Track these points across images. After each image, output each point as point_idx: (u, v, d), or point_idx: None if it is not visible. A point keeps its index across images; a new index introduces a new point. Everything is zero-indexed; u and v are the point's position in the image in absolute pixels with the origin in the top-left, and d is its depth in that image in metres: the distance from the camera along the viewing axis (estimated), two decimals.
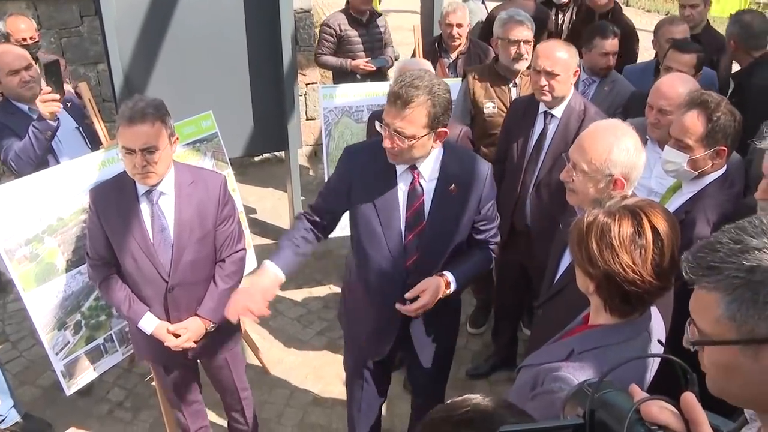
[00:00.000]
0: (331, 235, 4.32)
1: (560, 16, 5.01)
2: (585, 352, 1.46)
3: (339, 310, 2.80)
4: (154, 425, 3.43)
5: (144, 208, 2.46)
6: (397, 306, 2.28)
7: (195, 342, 2.59)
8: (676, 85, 2.60)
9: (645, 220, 1.40)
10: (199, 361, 2.86)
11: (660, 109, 2.59)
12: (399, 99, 2.05)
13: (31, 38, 4.07)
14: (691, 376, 0.94)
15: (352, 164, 2.34)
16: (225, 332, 2.74)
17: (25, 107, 3.23)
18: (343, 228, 2.59)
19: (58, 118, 3.08)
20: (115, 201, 2.46)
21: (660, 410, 0.89)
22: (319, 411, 3.55)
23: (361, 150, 2.39)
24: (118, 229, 2.46)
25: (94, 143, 3.48)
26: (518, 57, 3.49)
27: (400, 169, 2.26)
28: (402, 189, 2.28)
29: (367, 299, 2.48)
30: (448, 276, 2.33)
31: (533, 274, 3.29)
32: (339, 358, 3.84)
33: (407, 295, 2.26)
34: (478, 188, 2.34)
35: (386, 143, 2.13)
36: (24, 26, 4.05)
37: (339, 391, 3.64)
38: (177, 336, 2.55)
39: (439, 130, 2.15)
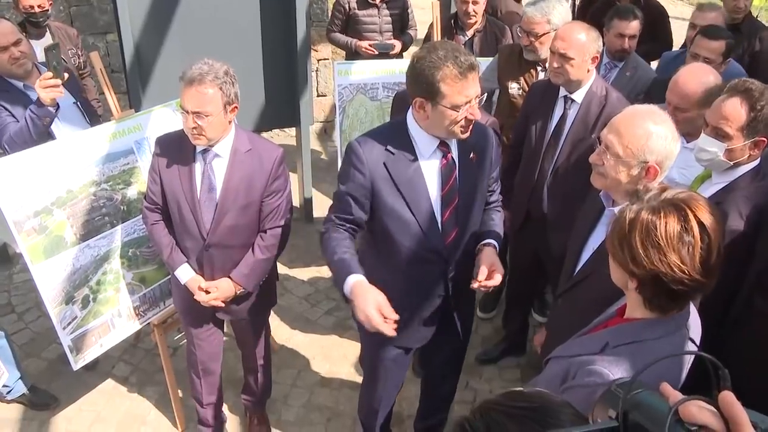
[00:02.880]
0: None
1: None
2: (620, 346, 1.40)
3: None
4: (159, 401, 3.41)
5: (197, 165, 2.57)
6: (475, 285, 2.18)
7: (223, 302, 2.69)
8: (692, 82, 2.47)
9: (690, 215, 1.31)
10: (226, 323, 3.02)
11: (675, 106, 2.49)
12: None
13: (39, 6, 3.91)
14: (723, 371, 0.90)
15: (367, 157, 2.18)
16: (254, 299, 2.84)
17: (19, 84, 3.13)
18: None
19: (58, 105, 3.00)
20: (175, 153, 2.57)
21: (699, 410, 0.85)
22: (326, 392, 3.52)
23: (370, 139, 2.22)
24: (171, 179, 2.58)
25: (93, 118, 3.40)
26: (526, 46, 3.38)
27: (431, 147, 2.18)
28: (434, 166, 2.21)
29: (401, 289, 2.28)
30: (494, 244, 2.33)
31: (547, 261, 3.23)
32: (347, 339, 3.83)
33: (480, 278, 2.17)
34: (490, 152, 2.34)
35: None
36: None
37: (346, 372, 3.62)
38: (208, 293, 2.67)
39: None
